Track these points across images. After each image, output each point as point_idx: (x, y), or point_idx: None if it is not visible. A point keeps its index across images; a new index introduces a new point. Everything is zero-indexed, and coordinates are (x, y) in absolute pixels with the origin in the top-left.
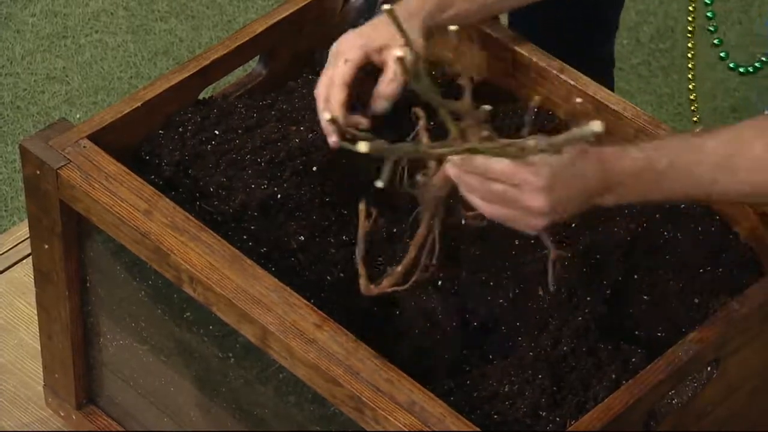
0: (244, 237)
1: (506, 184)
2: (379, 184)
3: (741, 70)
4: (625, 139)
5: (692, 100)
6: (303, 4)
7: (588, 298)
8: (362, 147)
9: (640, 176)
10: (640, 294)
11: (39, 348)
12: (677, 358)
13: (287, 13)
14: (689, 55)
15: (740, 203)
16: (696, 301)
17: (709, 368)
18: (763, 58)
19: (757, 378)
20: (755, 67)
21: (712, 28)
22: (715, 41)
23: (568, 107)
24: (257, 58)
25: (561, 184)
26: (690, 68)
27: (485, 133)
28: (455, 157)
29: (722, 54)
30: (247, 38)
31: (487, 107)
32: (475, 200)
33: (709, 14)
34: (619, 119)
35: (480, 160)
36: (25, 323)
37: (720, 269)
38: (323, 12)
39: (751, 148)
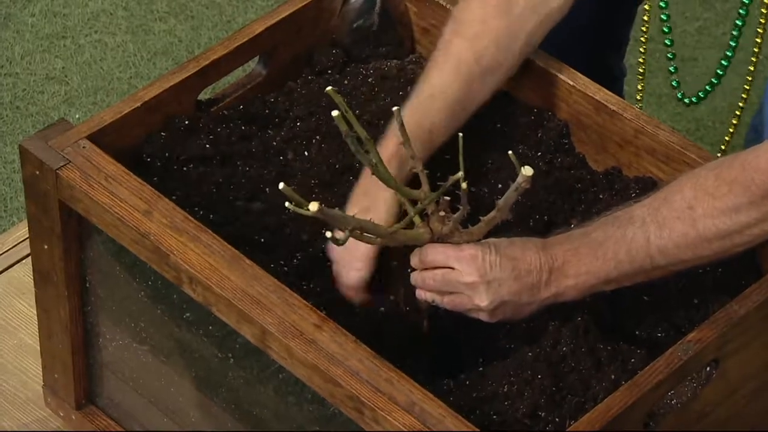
0: (244, 237)
1: (443, 267)
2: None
3: (686, 101)
4: (625, 139)
5: (639, 100)
6: (302, 4)
7: (587, 298)
8: (312, 207)
9: (580, 251)
10: (639, 294)
11: (38, 348)
12: (677, 358)
13: (287, 14)
14: (641, 69)
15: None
16: (695, 301)
17: (708, 369)
18: (708, 87)
19: (756, 379)
20: (698, 97)
21: (670, 56)
22: (671, 69)
23: (568, 108)
24: (257, 58)
25: (498, 267)
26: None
27: (446, 218)
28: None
29: (674, 82)
30: (247, 38)
31: (447, 198)
32: (427, 295)
33: (667, 42)
34: (619, 120)
35: (417, 251)
36: (24, 323)
37: (720, 270)
38: (323, 12)
39: (674, 199)
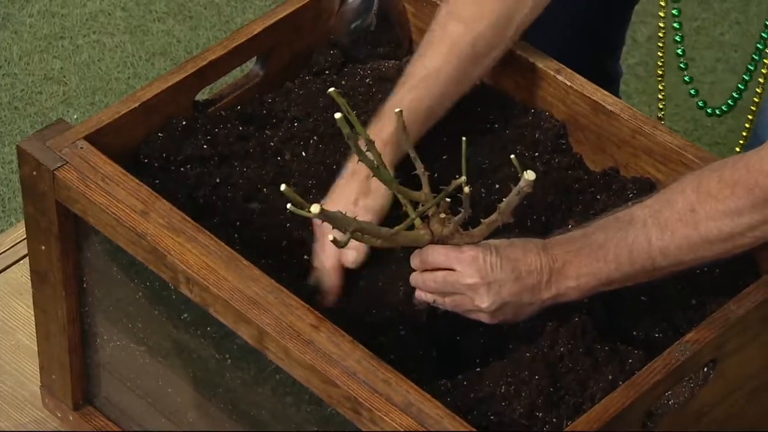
0: (243, 238)
1: (444, 269)
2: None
3: (708, 110)
4: (623, 140)
5: (660, 99)
6: (300, 4)
7: (585, 299)
8: (314, 209)
9: (581, 252)
10: (637, 295)
11: (36, 349)
12: (674, 358)
13: (285, 14)
14: (659, 72)
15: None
16: (693, 302)
17: (706, 369)
18: (735, 95)
19: (754, 379)
20: (729, 105)
21: (682, 65)
22: (686, 78)
23: (565, 108)
24: (254, 58)
25: (499, 270)
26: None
27: (446, 220)
28: (415, 259)
29: (692, 91)
30: (245, 39)
31: (447, 200)
32: (427, 296)
33: (679, 51)
34: (616, 120)
35: (417, 252)
36: (22, 324)
37: (717, 270)
38: (321, 13)
39: (675, 201)
